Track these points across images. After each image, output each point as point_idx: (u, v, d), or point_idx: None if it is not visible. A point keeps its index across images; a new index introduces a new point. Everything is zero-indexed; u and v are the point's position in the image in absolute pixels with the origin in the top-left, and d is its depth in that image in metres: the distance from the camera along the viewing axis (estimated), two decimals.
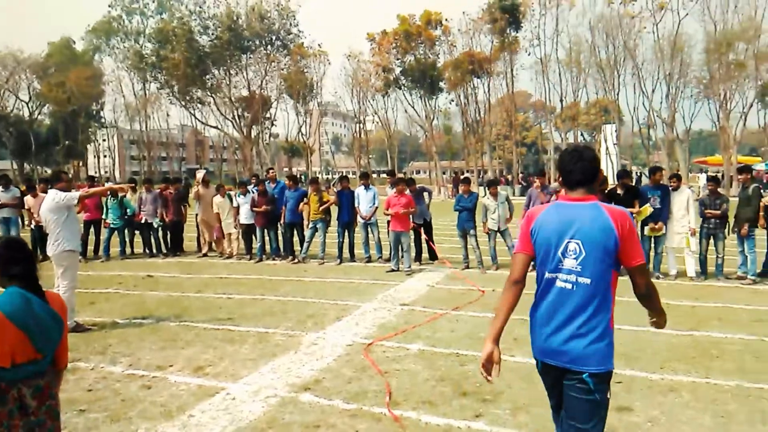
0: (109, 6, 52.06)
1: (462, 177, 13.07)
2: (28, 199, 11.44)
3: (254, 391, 4.36)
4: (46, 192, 10.17)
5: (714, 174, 20.20)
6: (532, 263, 2.54)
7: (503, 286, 2.54)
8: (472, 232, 9.68)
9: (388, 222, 9.88)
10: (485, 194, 10.00)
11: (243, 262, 11.09)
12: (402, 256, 9.55)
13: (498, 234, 9.64)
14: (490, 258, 9.71)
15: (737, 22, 36.06)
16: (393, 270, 9.55)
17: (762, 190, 8.70)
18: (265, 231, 11.04)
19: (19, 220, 11.89)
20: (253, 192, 11.14)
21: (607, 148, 37.01)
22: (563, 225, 2.40)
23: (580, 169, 2.45)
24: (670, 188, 8.67)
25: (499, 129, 56.73)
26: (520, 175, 45.87)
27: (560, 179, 2.54)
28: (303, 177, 48.38)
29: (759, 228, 8.42)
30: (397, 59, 45.22)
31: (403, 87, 46.03)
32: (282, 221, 11.00)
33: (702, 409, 3.94)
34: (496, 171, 50.95)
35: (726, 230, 8.49)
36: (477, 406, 4.03)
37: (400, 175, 12.10)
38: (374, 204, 10.49)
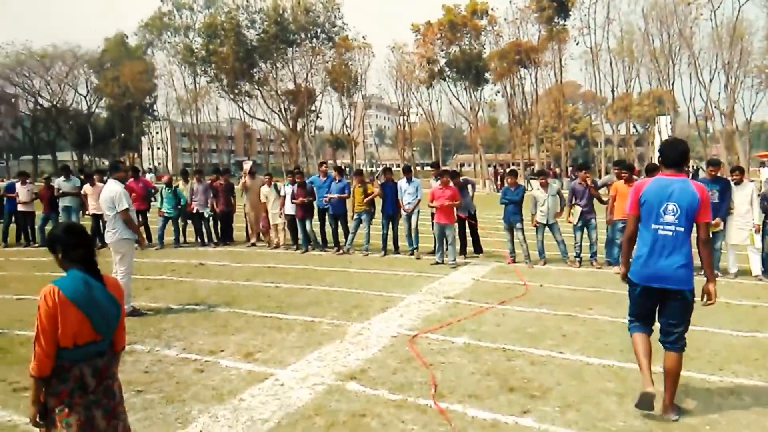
0: (161, 1, 53.62)
1: (509, 169, 12.84)
2: (87, 188, 11.98)
3: (302, 378, 4.43)
4: (102, 181, 10.68)
5: None
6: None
7: (622, 248, 4.04)
8: (518, 225, 9.51)
9: (432, 215, 9.82)
10: (531, 187, 9.79)
11: (289, 252, 11.27)
12: (447, 249, 9.48)
13: (546, 228, 9.43)
14: (538, 252, 9.52)
15: None
16: (437, 263, 9.50)
17: None
18: (306, 222, 11.16)
19: (80, 209, 12.42)
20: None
21: (661, 141, 35.63)
22: (664, 193, 3.62)
23: (675, 155, 3.72)
24: (732, 182, 8.24)
25: (546, 120, 55.41)
26: (570, 168, 44.74)
27: (659, 160, 3.89)
28: (348, 169, 48.86)
29: None
30: (442, 50, 44.79)
31: (447, 78, 45.61)
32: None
33: (766, 414, 3.75)
34: (544, 164, 49.76)
35: None
36: (525, 401, 3.97)
37: (445, 168, 11.97)
38: (417, 196, 10.40)
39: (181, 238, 12.47)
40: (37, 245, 12.08)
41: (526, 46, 41.92)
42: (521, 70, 43.49)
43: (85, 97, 61.85)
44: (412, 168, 11.92)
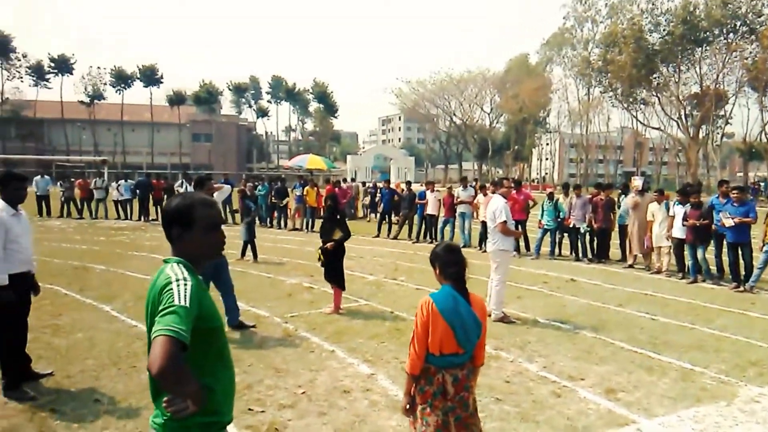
0: (564, 18, 55.52)
1: None
2: (480, 198, 13.42)
3: None
4: (494, 193, 11.77)
5: None
6: None
7: None
8: None
9: None
10: None
11: (673, 280, 10.01)
12: None
13: None
14: None
15: None
16: None
17: None
18: (699, 249, 9.61)
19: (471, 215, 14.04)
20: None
21: None
22: None
23: None
24: None
25: None
26: None
27: None
28: (764, 184, 40.15)
29: None
30: None
31: None
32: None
33: None
34: None
35: None
36: None
37: None
38: None
39: (557, 251, 12.62)
40: (437, 243, 14.28)
41: None
42: None
43: (488, 114, 69.81)
44: None
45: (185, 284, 1.76)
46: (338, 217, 7.36)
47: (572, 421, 4.08)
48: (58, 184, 21.53)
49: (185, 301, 1.71)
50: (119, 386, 4.61)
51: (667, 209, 10.55)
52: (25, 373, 4.54)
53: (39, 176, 20.36)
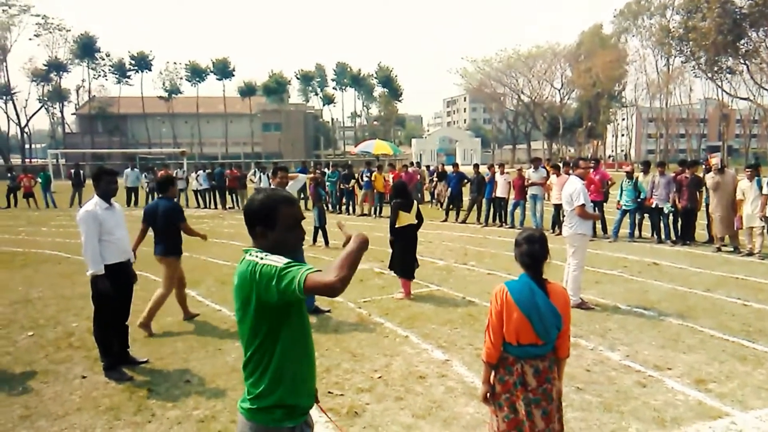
0: None
1: None
2: (552, 179, 12.97)
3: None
4: (567, 174, 11.33)
5: None
6: None
7: None
8: None
9: None
10: None
11: (767, 263, 9.30)
12: None
13: None
14: None
15: None
16: None
17: None
18: None
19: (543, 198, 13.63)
20: None
21: None
22: None
23: None
24: None
25: None
26: None
27: None
28: None
29: None
30: None
31: None
32: None
33: None
34: None
35: None
36: None
37: None
38: None
39: (636, 233, 12.03)
40: (507, 226, 14.01)
41: None
42: None
43: (558, 91, 67.18)
44: None
45: (269, 256, 1.87)
46: (399, 203, 7.31)
47: (659, 413, 3.90)
48: (143, 175, 22.87)
49: (281, 261, 1.82)
50: (207, 368, 4.88)
51: (760, 187, 9.78)
52: (122, 357, 4.89)
53: (129, 169, 21.73)
